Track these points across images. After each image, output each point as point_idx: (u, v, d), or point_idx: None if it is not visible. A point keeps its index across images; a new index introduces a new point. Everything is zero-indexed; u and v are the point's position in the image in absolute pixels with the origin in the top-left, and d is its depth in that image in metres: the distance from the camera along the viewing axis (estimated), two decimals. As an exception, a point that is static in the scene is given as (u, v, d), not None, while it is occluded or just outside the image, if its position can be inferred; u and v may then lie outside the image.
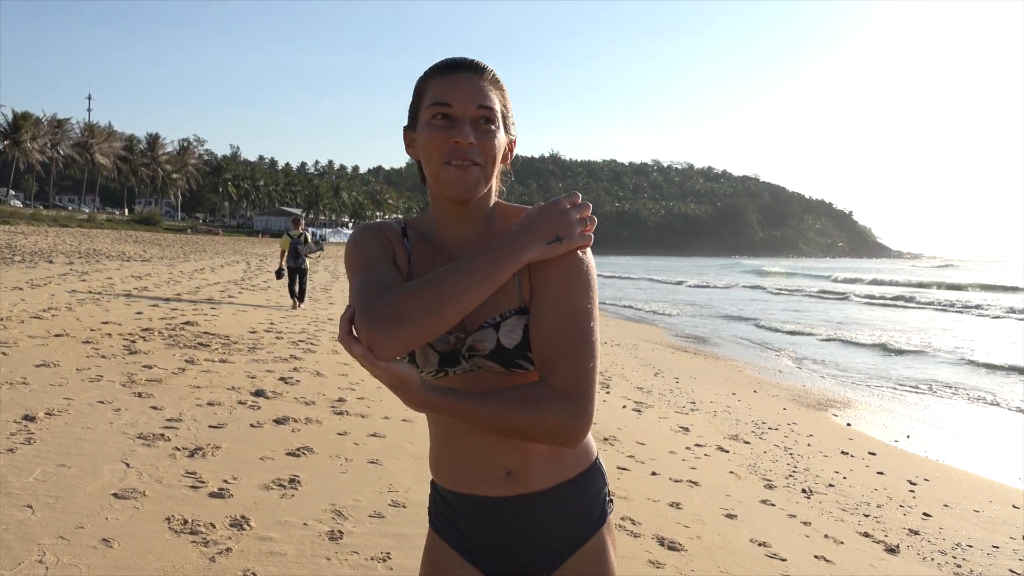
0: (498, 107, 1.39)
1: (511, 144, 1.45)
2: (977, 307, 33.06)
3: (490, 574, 1.47)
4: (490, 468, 1.42)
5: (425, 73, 1.42)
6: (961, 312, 31.47)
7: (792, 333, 21.01)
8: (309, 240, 15.67)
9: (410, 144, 1.46)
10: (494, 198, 1.47)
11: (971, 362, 15.59)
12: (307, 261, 15.37)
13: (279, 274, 15.34)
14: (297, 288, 15.18)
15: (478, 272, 1.24)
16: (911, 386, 12.65)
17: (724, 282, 55.77)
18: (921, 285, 54.89)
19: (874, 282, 59.31)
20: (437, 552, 1.51)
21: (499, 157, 1.40)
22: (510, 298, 1.36)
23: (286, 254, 15.25)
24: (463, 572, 1.47)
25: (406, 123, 1.47)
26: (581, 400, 1.29)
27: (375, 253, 1.41)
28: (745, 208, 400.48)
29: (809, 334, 20.72)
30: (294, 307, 15.02)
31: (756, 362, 14.85)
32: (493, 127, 1.37)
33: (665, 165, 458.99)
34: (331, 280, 26.25)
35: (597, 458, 1.52)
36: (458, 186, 1.35)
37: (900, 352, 17.14)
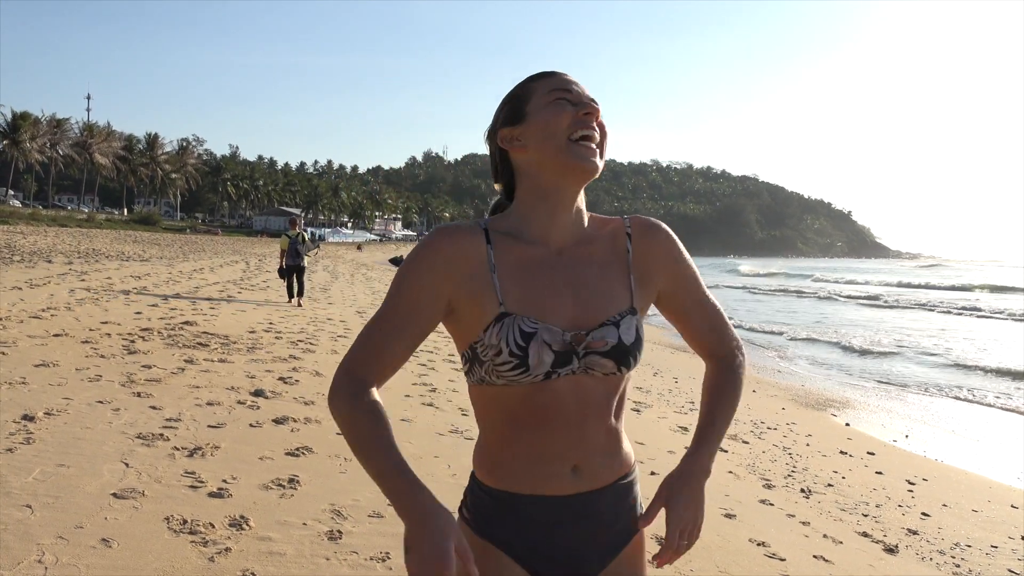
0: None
1: None
2: (957, 307, 33.16)
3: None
4: (558, 466, 1.41)
5: (524, 81, 1.46)
6: (946, 312, 31.47)
7: (767, 333, 21.14)
8: (307, 239, 16.22)
9: (515, 138, 1.43)
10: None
11: (947, 361, 15.67)
12: (306, 259, 15.89)
13: (282, 273, 15.86)
14: (296, 286, 15.69)
15: (380, 482, 1.33)
16: (897, 384, 12.66)
17: (710, 282, 55.69)
18: (901, 285, 55.25)
19: (851, 282, 59.85)
20: (490, 560, 1.42)
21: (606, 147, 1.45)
22: (624, 300, 1.44)
23: (285, 253, 15.76)
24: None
25: (502, 124, 1.45)
26: (740, 343, 1.63)
27: (416, 289, 1.38)
28: (744, 208, 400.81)
29: (780, 333, 20.83)
30: (290, 302, 15.56)
31: (755, 361, 14.85)
32: (601, 119, 1.44)
33: (664, 165, 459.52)
34: (330, 280, 26.25)
35: (635, 461, 1.56)
36: (588, 161, 1.38)
37: (868, 352, 17.15)
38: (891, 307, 34.36)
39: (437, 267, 1.38)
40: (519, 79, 1.48)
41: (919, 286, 55.06)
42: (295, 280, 15.66)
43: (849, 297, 41.07)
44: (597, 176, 1.41)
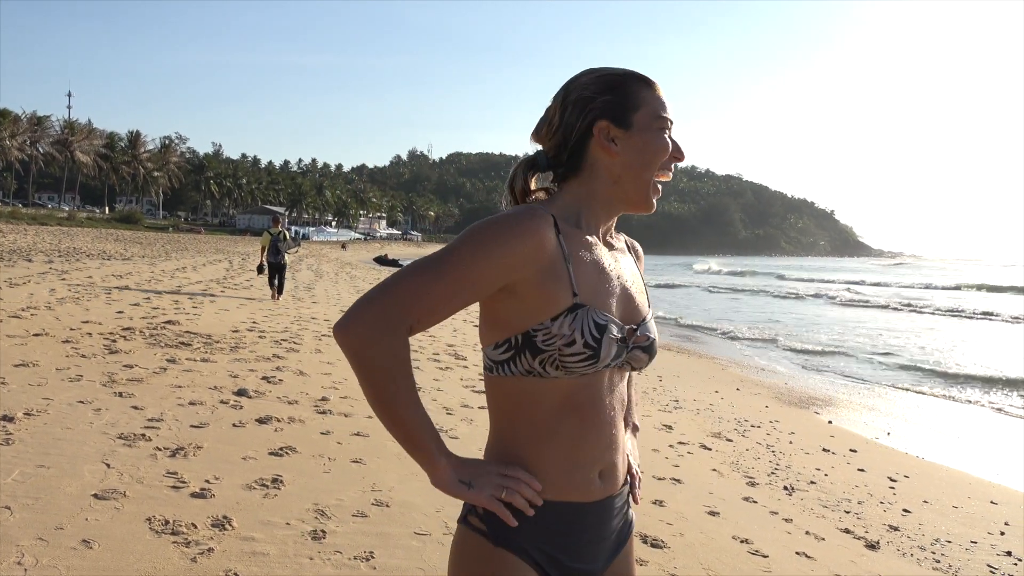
0: None
1: None
2: (918, 305, 33.08)
3: None
4: (588, 471, 1.42)
5: (629, 78, 1.44)
6: (907, 311, 31.40)
7: (697, 327, 21.31)
8: (288, 237, 16.73)
9: (613, 139, 1.42)
10: None
11: (895, 360, 15.81)
12: (286, 256, 16.56)
13: (260, 269, 16.73)
14: (276, 281, 16.24)
15: (402, 425, 1.34)
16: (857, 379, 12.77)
17: (670, 280, 55.71)
18: (866, 284, 56.34)
19: (812, 280, 60.78)
20: (509, 570, 1.37)
21: None
22: (647, 299, 1.54)
23: (266, 250, 16.39)
24: None
25: (605, 114, 1.42)
26: None
27: (488, 266, 1.32)
28: (728, 207, 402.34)
29: (715, 330, 21.02)
30: (273, 298, 16.07)
31: (739, 360, 14.93)
32: None
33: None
34: (315, 279, 26.15)
35: None
36: (653, 204, 1.47)
37: (810, 352, 17.15)
38: (853, 306, 34.34)
39: (516, 249, 1.32)
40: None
41: (883, 284, 55.99)
42: (276, 277, 16.23)
43: (796, 295, 41.26)
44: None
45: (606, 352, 1.36)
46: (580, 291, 1.36)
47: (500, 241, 1.31)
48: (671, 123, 1.46)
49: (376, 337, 1.28)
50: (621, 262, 1.50)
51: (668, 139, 1.44)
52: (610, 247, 1.51)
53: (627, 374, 1.52)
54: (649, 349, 1.47)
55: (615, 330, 1.38)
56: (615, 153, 1.42)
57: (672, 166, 1.46)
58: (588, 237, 1.43)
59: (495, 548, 1.37)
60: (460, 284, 1.31)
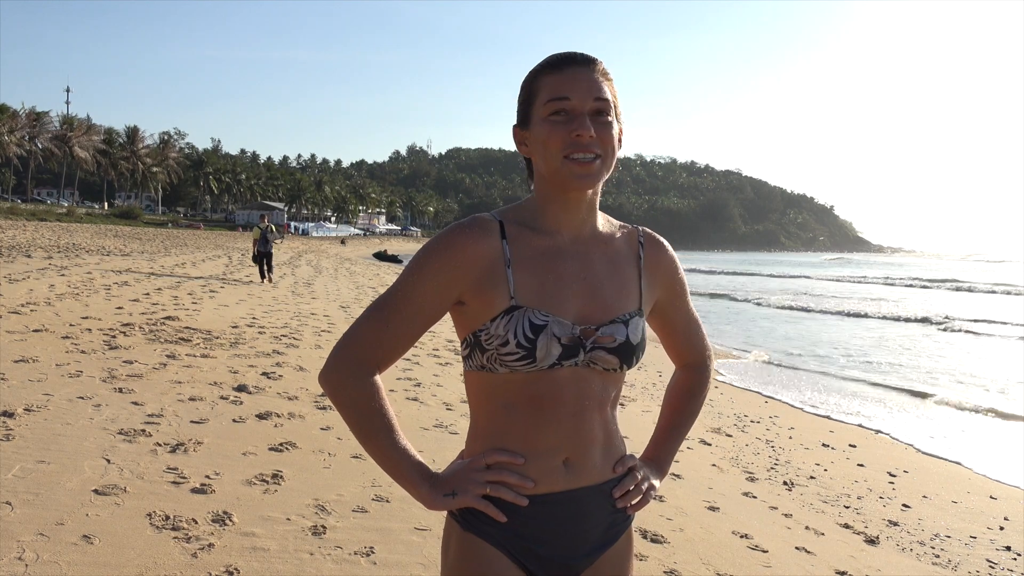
0: (611, 98, 1.43)
1: (620, 132, 1.47)
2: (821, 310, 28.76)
3: (533, 571, 1.45)
4: (550, 460, 1.43)
5: (535, 71, 1.46)
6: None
7: None
8: (274, 230, 20.89)
9: (522, 142, 1.49)
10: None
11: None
12: (273, 246, 20.47)
13: (255, 258, 20.14)
14: (266, 268, 19.81)
15: (382, 459, 1.43)
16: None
17: None
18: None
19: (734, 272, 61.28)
20: (478, 554, 1.43)
21: (617, 147, 1.44)
22: (633, 300, 1.50)
23: (257, 241, 20.00)
24: (509, 571, 1.43)
25: (516, 121, 1.49)
26: (712, 353, 1.76)
27: (429, 285, 1.41)
28: (727, 202, 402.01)
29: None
30: (262, 282, 19.19)
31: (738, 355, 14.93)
32: (609, 118, 1.42)
33: (648, 159, 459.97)
34: (314, 275, 26.14)
35: None
36: (582, 179, 1.40)
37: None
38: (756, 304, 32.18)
39: (450, 266, 1.40)
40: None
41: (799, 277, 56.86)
42: (265, 263, 19.78)
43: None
44: (596, 186, 1.43)
45: (543, 352, 1.37)
46: (518, 294, 1.40)
47: (436, 259, 1.41)
48: (568, 98, 1.39)
49: (345, 382, 1.42)
50: (594, 260, 1.47)
51: (558, 118, 1.39)
52: (587, 244, 1.48)
53: (613, 376, 1.47)
54: (619, 351, 1.43)
55: (557, 330, 1.38)
56: (530, 152, 1.47)
57: (583, 143, 1.38)
58: (545, 238, 1.45)
59: (464, 532, 1.45)
60: (411, 316, 1.42)
